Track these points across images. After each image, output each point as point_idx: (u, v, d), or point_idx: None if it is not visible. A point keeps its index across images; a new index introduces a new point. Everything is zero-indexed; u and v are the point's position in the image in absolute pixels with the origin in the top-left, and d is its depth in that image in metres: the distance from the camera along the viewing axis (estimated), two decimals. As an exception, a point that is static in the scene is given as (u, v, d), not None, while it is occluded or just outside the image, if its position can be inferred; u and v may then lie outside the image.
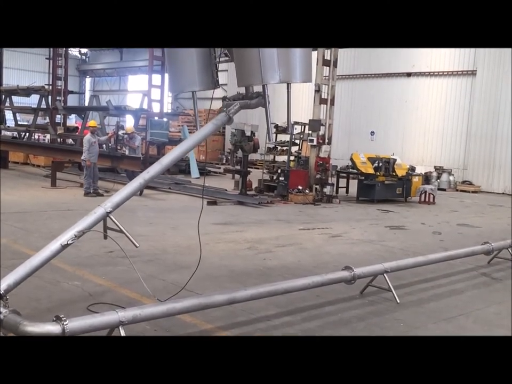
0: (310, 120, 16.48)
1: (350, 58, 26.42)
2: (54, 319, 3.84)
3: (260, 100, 5.33)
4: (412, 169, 18.74)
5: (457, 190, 22.02)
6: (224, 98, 5.68)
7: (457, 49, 23.30)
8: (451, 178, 22.46)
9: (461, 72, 23.25)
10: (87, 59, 52.12)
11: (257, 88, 5.42)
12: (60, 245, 4.41)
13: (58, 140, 24.01)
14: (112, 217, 4.64)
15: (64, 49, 28.38)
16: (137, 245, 4.69)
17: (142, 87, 34.95)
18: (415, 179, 17.52)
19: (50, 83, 28.18)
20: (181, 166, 22.49)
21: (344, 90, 25.76)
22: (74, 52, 48.41)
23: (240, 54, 5.04)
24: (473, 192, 21.53)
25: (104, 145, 18.09)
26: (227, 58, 5.61)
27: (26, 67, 46.18)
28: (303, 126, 17.83)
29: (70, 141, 25.05)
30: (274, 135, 18.24)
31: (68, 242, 4.43)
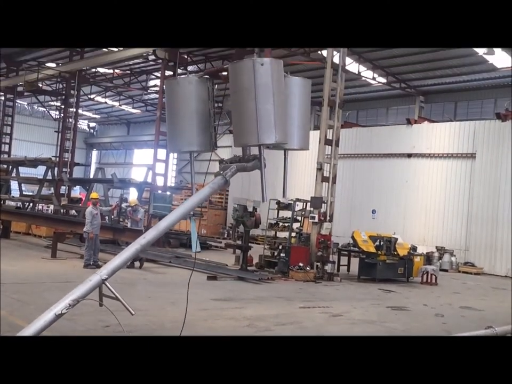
0: (311, 197, 16.64)
1: (352, 138, 27.01)
2: None
3: (256, 162, 5.32)
4: (414, 248, 18.64)
5: (459, 271, 21.78)
6: (221, 161, 5.67)
7: (457, 133, 23.85)
8: (453, 259, 22.27)
9: (460, 155, 23.66)
10: (95, 133, 53.37)
11: (254, 152, 5.45)
12: (54, 315, 4.27)
13: (62, 210, 24.16)
14: (107, 284, 4.58)
15: (73, 122, 29.19)
16: (133, 313, 4.62)
17: (147, 161, 35.55)
18: (417, 259, 17.39)
19: (58, 155, 28.75)
20: (182, 240, 22.50)
21: (346, 168, 26.14)
22: (83, 125, 49.68)
23: (238, 113, 5.08)
24: (475, 274, 21.29)
25: (106, 217, 18.18)
26: (226, 122, 5.66)
27: (35, 139, 47.26)
28: (304, 203, 17.97)
29: (73, 212, 25.20)
30: (276, 211, 18.38)
31: (62, 312, 4.29)
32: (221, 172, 5.46)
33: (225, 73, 5.42)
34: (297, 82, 5.59)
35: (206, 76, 5.65)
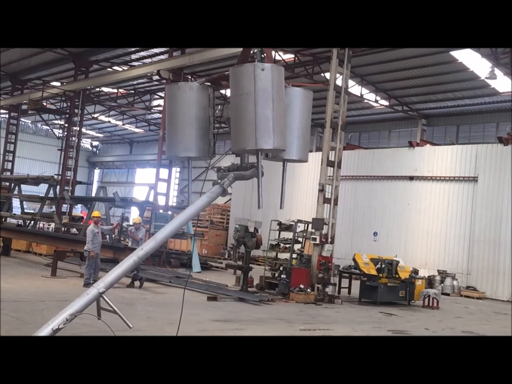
0: (313, 218, 16.60)
1: (354, 160, 27.05)
2: None
3: (254, 171, 5.26)
4: (415, 272, 18.54)
5: (461, 296, 21.60)
6: (218, 170, 5.59)
7: (459, 156, 23.87)
8: (455, 283, 22.10)
9: (462, 178, 23.64)
10: (97, 151, 53.58)
11: (252, 160, 5.40)
12: (51, 330, 4.22)
13: (63, 229, 24.12)
14: (105, 297, 4.52)
15: (77, 141, 29.32)
16: (131, 326, 4.58)
17: (149, 180, 35.61)
18: (418, 282, 17.26)
19: (60, 173, 28.81)
20: (182, 260, 22.42)
21: (348, 190, 26.12)
22: (86, 144, 49.92)
23: (237, 118, 5.03)
24: (477, 298, 21.10)
25: (107, 236, 18.13)
26: (226, 128, 5.62)
27: (38, 157, 47.47)
28: (306, 224, 17.93)
29: (74, 230, 25.15)
30: (277, 232, 18.34)
31: (59, 327, 4.23)
32: (219, 181, 5.38)
33: (226, 82, 5.40)
34: (298, 93, 5.52)
35: (207, 83, 5.63)
